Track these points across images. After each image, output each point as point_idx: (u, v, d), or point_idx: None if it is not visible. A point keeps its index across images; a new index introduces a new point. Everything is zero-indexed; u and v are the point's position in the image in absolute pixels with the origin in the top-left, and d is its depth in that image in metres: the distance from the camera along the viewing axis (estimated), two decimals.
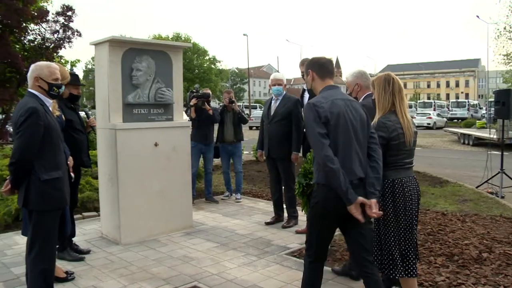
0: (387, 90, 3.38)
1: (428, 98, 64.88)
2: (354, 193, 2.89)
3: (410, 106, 48.86)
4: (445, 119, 37.59)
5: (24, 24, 12.55)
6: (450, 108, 43.56)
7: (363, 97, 4.13)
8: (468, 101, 44.62)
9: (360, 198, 2.92)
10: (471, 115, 40.35)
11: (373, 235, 3.39)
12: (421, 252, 4.89)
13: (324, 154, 2.91)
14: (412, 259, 3.36)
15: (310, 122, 3.02)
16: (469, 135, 20.30)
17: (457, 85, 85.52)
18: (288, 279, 4.25)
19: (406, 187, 3.35)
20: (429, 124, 34.23)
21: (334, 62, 3.50)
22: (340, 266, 4.48)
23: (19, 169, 3.33)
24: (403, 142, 3.33)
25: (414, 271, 3.35)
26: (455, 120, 39.91)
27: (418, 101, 51.42)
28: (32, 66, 3.55)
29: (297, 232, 5.73)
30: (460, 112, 41.42)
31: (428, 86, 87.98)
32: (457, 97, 70.01)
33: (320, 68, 3.24)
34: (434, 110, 40.67)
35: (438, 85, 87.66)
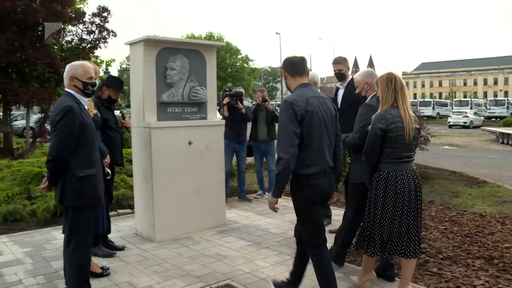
0: (389, 87, 3.60)
1: (465, 97, 63.35)
2: (280, 194, 3.30)
3: (446, 105, 47.83)
4: (482, 118, 36.57)
5: (62, 26, 12.88)
6: (488, 107, 42.27)
7: (371, 96, 4.25)
8: (508, 99, 43.21)
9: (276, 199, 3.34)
10: (511, 113, 39.11)
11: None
12: (458, 254, 4.77)
13: (293, 152, 3.19)
14: (395, 241, 3.60)
15: (285, 120, 3.24)
16: (508, 134, 19.69)
17: (495, 82, 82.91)
18: None
19: (400, 181, 3.54)
20: (465, 123, 33.37)
21: (308, 61, 3.68)
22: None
23: (55, 166, 3.40)
24: (401, 135, 3.52)
25: (384, 253, 3.66)
26: (493, 119, 38.78)
27: (454, 99, 50.12)
28: (68, 66, 3.61)
29: (331, 232, 5.64)
30: (498, 111, 40.19)
31: (465, 84, 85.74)
32: (496, 95, 68.04)
33: (291, 67, 3.47)
34: (471, 108, 39.69)
35: (475, 83, 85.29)
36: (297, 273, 3.70)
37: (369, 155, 3.65)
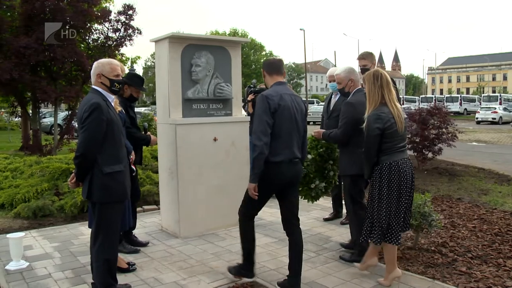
0: (376, 84, 3.86)
1: (494, 92, 61.87)
2: (257, 179, 3.64)
3: (474, 100, 46.81)
4: None
5: (88, 25, 13.07)
6: None
7: (354, 91, 4.56)
8: None
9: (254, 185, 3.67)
10: None
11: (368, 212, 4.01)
12: (488, 254, 4.67)
13: (266, 141, 3.60)
14: (396, 229, 3.85)
15: (260, 112, 3.66)
16: None
17: None
18: (347, 276, 4.17)
19: (402, 168, 3.82)
20: (494, 118, 32.59)
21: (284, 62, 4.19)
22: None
23: (83, 162, 3.43)
24: (396, 130, 3.81)
25: (397, 239, 3.86)
26: None
27: (483, 94, 48.98)
28: (95, 64, 3.64)
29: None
30: None
31: (493, 79, 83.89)
32: None
33: (269, 67, 3.95)
34: (500, 104, 38.68)
35: (505, 78, 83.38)
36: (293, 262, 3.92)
37: (370, 153, 3.87)
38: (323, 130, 4.74)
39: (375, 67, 5.43)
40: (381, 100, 3.85)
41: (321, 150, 4.83)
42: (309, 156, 4.71)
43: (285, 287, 3.86)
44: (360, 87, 4.54)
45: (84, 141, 3.39)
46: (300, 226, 4.01)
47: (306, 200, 5.03)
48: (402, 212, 3.87)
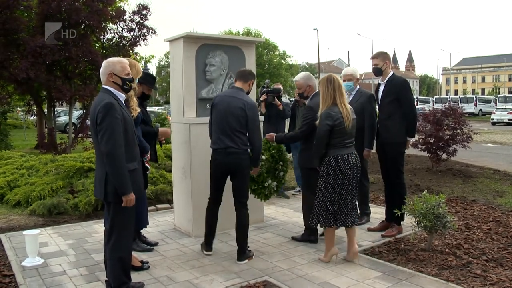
0: (329, 87, 4.42)
1: (510, 92, 61.09)
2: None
3: (489, 101, 46.16)
4: None
5: (103, 24, 13.18)
6: None
7: (312, 95, 5.09)
8: None
9: None
10: None
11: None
12: (504, 256, 4.61)
13: (210, 132, 4.76)
14: (344, 213, 4.44)
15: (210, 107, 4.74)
16: None
17: None
18: (360, 277, 4.15)
19: (347, 161, 4.39)
20: (510, 120, 31.95)
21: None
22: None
23: (114, 161, 3.37)
24: (344, 128, 4.36)
25: (347, 222, 4.45)
26: None
27: (498, 95, 48.29)
28: (105, 63, 3.62)
29: (369, 230, 5.59)
30: None
31: (510, 79, 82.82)
32: None
33: (236, 73, 4.85)
34: None
35: None
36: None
37: (319, 145, 4.42)
38: (275, 134, 5.28)
39: (389, 66, 5.42)
40: (332, 101, 4.40)
41: (273, 151, 5.28)
42: (263, 157, 5.12)
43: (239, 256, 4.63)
44: (317, 90, 4.97)
45: (107, 141, 3.35)
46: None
47: (260, 199, 5.42)
48: (349, 198, 4.45)
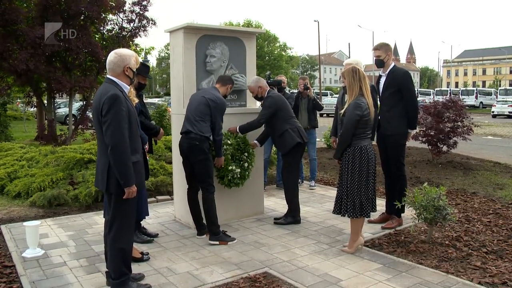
0: (355, 77, 4.41)
1: (511, 85, 60.96)
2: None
3: (490, 94, 46.07)
4: None
5: (103, 15, 13.11)
6: None
7: (266, 93, 5.53)
8: None
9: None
10: None
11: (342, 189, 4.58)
12: (504, 249, 4.62)
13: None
14: (367, 204, 4.45)
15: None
16: None
17: None
18: (360, 268, 4.15)
19: (370, 152, 4.44)
20: (511, 112, 31.92)
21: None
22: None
23: (118, 153, 3.36)
24: (369, 119, 4.40)
25: (368, 213, 4.51)
26: None
27: (499, 88, 48.16)
28: (119, 56, 3.55)
29: (369, 222, 5.59)
30: None
31: (511, 72, 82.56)
32: None
33: (218, 77, 5.32)
34: None
35: None
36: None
37: (348, 135, 4.41)
38: (237, 126, 5.50)
39: (391, 57, 5.39)
40: (359, 91, 4.40)
41: (238, 139, 5.47)
42: (228, 142, 5.33)
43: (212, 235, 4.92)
44: (269, 89, 5.61)
45: (112, 134, 3.34)
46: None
47: (223, 186, 5.41)
48: (371, 190, 4.48)
